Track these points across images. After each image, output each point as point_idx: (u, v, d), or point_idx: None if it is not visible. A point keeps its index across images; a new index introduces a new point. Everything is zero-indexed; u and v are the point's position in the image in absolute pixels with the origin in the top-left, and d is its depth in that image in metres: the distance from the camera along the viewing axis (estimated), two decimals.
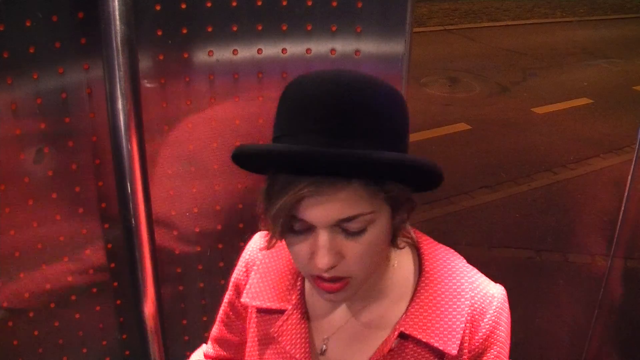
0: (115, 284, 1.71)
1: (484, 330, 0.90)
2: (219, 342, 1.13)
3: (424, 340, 0.89)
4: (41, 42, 1.42)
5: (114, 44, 1.40)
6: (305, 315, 0.96)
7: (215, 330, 1.13)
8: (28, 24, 1.38)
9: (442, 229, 3.74)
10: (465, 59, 7.07)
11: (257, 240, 1.07)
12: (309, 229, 0.80)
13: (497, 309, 0.91)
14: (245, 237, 1.81)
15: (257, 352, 0.99)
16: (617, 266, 2.16)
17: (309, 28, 1.57)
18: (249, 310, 1.03)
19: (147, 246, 1.59)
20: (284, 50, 1.60)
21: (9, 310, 1.57)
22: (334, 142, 0.75)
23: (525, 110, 5.64)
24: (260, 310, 0.99)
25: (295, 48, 1.60)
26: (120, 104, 1.44)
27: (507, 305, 0.93)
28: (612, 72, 6.82)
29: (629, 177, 1.93)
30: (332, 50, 1.59)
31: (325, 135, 0.75)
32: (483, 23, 8.92)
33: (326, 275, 0.81)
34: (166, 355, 1.73)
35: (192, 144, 1.66)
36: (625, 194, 1.97)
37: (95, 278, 1.68)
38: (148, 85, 1.56)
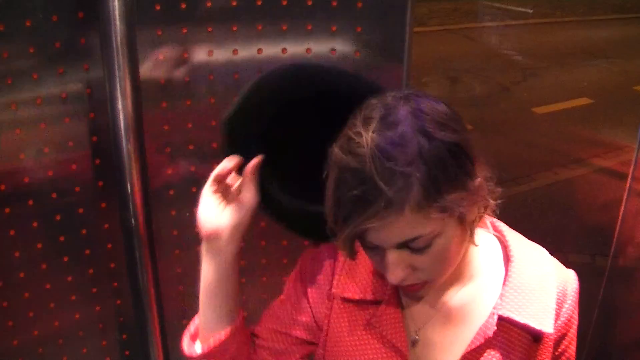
0: (115, 284, 1.71)
1: (569, 312, 0.96)
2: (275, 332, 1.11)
3: (522, 322, 0.92)
4: (41, 42, 1.42)
5: (114, 44, 1.40)
6: (400, 305, 0.99)
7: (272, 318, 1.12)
8: (28, 24, 1.38)
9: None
10: (465, 59, 7.07)
11: (316, 256, 1.08)
12: (379, 246, 0.85)
13: (575, 292, 0.98)
14: (245, 238, 1.81)
15: (350, 341, 1.00)
16: (617, 266, 2.16)
17: (309, 28, 1.57)
18: (331, 304, 1.03)
19: (147, 246, 1.59)
20: (284, 50, 1.60)
21: (9, 310, 1.57)
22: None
23: (525, 110, 5.64)
24: (349, 301, 1.01)
25: (295, 48, 1.60)
26: (120, 104, 1.44)
27: (579, 287, 0.99)
28: (612, 72, 6.82)
29: (629, 177, 1.93)
30: (332, 50, 1.59)
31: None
32: (483, 23, 8.92)
33: (402, 284, 0.87)
34: (166, 355, 1.73)
35: (192, 144, 1.66)
36: (625, 194, 1.96)
37: (95, 278, 1.68)
38: (148, 85, 1.56)
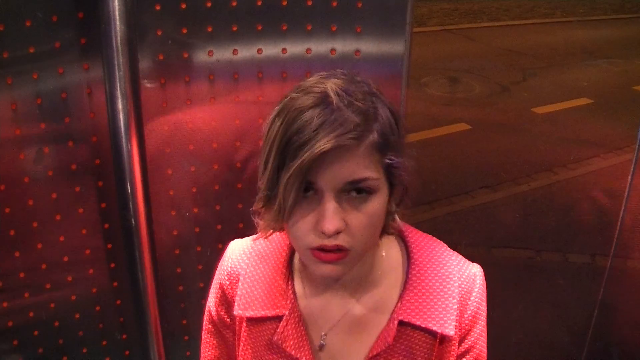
0: (115, 284, 1.71)
1: (472, 308, 0.97)
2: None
3: (423, 325, 0.94)
4: (41, 42, 1.42)
5: (114, 44, 1.40)
6: (301, 316, 0.98)
7: (206, 350, 1.15)
8: (28, 24, 1.39)
9: (442, 228, 3.74)
10: (465, 59, 7.07)
11: (237, 247, 1.08)
12: (315, 196, 0.84)
13: (480, 287, 0.99)
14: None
15: None
16: (617, 266, 2.16)
17: (309, 28, 1.57)
18: (241, 321, 1.03)
19: (147, 246, 1.59)
20: (284, 50, 1.60)
21: (9, 310, 1.57)
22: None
23: (525, 110, 5.64)
24: (252, 320, 1.00)
25: (295, 48, 1.60)
26: (120, 104, 1.44)
27: (484, 281, 1.00)
28: (612, 72, 6.82)
29: (629, 177, 1.93)
30: (332, 50, 1.59)
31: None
32: (483, 23, 8.92)
33: (328, 243, 0.85)
34: (166, 355, 1.73)
35: (192, 144, 1.66)
36: (625, 194, 1.97)
37: (95, 278, 1.68)
38: (148, 85, 1.56)
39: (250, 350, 1.01)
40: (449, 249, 1.03)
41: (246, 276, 1.02)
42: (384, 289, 0.98)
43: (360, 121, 0.82)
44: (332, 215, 0.83)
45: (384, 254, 0.99)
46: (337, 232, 0.84)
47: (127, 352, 1.80)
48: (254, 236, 1.06)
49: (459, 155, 4.74)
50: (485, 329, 1.00)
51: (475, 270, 1.00)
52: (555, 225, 3.81)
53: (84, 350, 1.73)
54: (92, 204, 1.61)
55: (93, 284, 1.69)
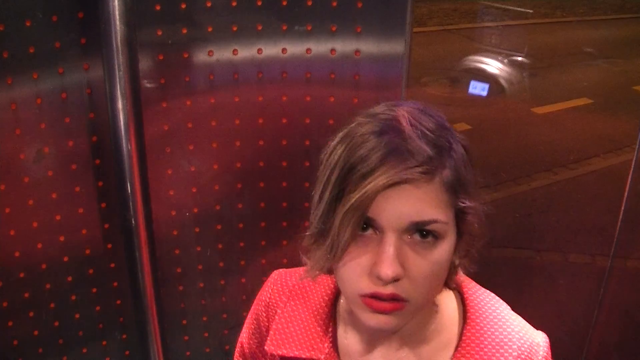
0: (115, 284, 1.71)
1: None
2: None
3: None
4: (41, 42, 1.42)
5: (114, 44, 1.40)
6: None
7: None
8: (28, 24, 1.38)
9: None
10: (465, 59, 7.07)
11: (279, 278, 1.00)
12: (374, 236, 0.75)
13: (544, 357, 0.87)
14: (245, 238, 1.82)
15: None
16: (617, 266, 2.16)
17: (309, 28, 1.57)
18: (272, 358, 0.95)
19: (147, 246, 1.59)
20: (284, 50, 1.60)
21: (9, 310, 1.57)
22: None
23: (525, 110, 5.63)
24: (284, 359, 0.93)
25: (295, 48, 1.60)
26: (120, 104, 1.44)
27: (550, 352, 0.88)
28: (612, 72, 6.82)
29: (629, 177, 1.93)
30: (332, 50, 1.59)
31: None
32: (483, 23, 8.92)
33: (384, 291, 0.75)
34: (166, 355, 1.73)
35: (192, 144, 1.66)
36: (625, 194, 1.97)
37: (95, 278, 1.68)
38: (148, 85, 1.56)
39: None
40: (511, 310, 0.91)
41: (285, 311, 0.95)
42: (434, 349, 0.87)
43: (433, 154, 0.72)
44: (391, 259, 0.72)
45: (438, 309, 0.88)
46: (395, 279, 0.74)
47: (127, 352, 1.80)
48: (299, 269, 0.98)
49: None
50: None
51: (539, 340, 0.87)
52: (555, 225, 3.81)
53: (84, 350, 1.73)
54: (92, 204, 1.61)
55: (93, 284, 1.69)
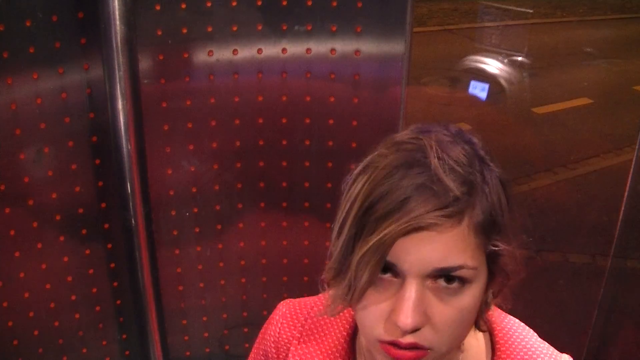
0: (115, 284, 1.71)
1: None
2: None
3: None
4: (41, 42, 1.42)
5: (114, 44, 1.40)
6: None
7: None
8: (28, 24, 1.38)
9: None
10: (465, 59, 7.07)
11: (288, 311, 0.93)
12: (395, 281, 0.69)
13: None
14: (245, 238, 1.81)
15: None
16: (617, 266, 2.16)
17: (309, 28, 1.57)
18: None
19: (147, 246, 1.59)
20: (284, 50, 1.60)
21: (9, 310, 1.57)
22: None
23: (525, 110, 5.63)
24: None
25: (295, 48, 1.60)
26: (120, 104, 1.44)
27: None
28: (612, 72, 6.82)
29: (629, 177, 1.93)
30: (332, 50, 1.59)
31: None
32: (483, 23, 8.91)
33: (403, 340, 0.69)
34: (166, 355, 1.73)
35: (192, 144, 1.66)
36: (625, 194, 1.97)
37: (95, 278, 1.68)
38: (148, 85, 1.56)
39: None
40: (538, 338, 0.87)
41: (299, 348, 0.88)
42: None
43: (463, 193, 0.66)
44: (412, 308, 0.67)
45: (464, 346, 0.82)
46: (416, 329, 0.68)
47: (127, 352, 1.80)
48: (310, 299, 0.93)
49: None
50: None
51: None
52: (555, 225, 3.81)
53: (84, 350, 1.73)
54: (92, 204, 1.61)
55: (93, 284, 1.69)
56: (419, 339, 0.69)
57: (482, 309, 0.75)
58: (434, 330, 0.69)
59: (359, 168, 0.71)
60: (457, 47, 7.70)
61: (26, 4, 1.37)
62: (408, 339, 0.69)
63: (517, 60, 7.07)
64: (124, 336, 1.78)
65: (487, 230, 0.69)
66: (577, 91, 6.12)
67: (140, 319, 1.66)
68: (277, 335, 0.91)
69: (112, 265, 1.69)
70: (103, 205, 1.62)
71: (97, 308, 1.71)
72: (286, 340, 0.89)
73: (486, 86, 6.05)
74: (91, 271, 1.67)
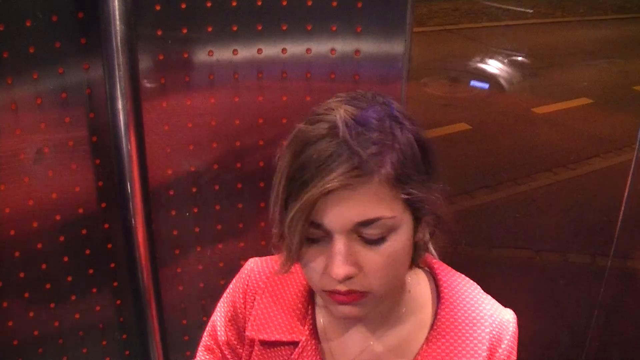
0: (115, 284, 1.71)
1: (503, 356, 0.89)
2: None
3: None
4: (41, 42, 1.42)
5: (114, 44, 1.40)
6: (319, 346, 0.92)
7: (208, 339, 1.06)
8: (28, 24, 1.38)
9: (442, 228, 3.73)
10: (465, 59, 7.07)
11: (255, 266, 1.02)
12: (326, 237, 0.77)
13: (512, 335, 0.91)
14: (245, 238, 1.81)
15: None
16: (617, 266, 2.16)
17: (309, 28, 1.57)
18: (251, 344, 0.97)
19: (147, 246, 1.59)
20: (284, 50, 1.60)
21: (10, 310, 1.57)
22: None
23: (525, 110, 5.63)
24: (266, 343, 0.94)
25: (295, 48, 1.60)
26: (120, 104, 1.44)
27: (517, 329, 0.93)
28: (612, 72, 6.82)
29: (629, 177, 1.94)
30: (332, 50, 1.59)
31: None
32: (483, 23, 8.92)
33: (341, 288, 0.78)
34: (166, 355, 1.73)
35: (192, 144, 1.66)
36: (625, 194, 1.97)
37: (95, 278, 1.68)
38: (148, 85, 1.56)
39: None
40: (482, 291, 0.95)
41: (264, 297, 0.97)
42: (410, 328, 0.91)
43: (370, 155, 0.73)
44: (341, 260, 0.75)
45: (410, 290, 0.91)
46: (349, 277, 0.77)
47: (127, 352, 1.80)
48: (275, 257, 1.00)
49: (459, 155, 4.73)
50: None
51: (508, 317, 0.92)
52: (555, 225, 3.81)
53: (84, 350, 1.73)
54: (92, 203, 1.61)
55: (93, 284, 1.69)
56: (354, 286, 0.78)
57: (417, 249, 0.85)
58: (367, 276, 0.78)
59: (286, 142, 0.80)
60: (457, 47, 7.70)
61: (26, 4, 1.37)
62: (345, 287, 0.78)
63: (517, 60, 7.07)
64: (124, 336, 1.78)
65: (402, 181, 0.76)
66: (577, 91, 6.12)
67: (140, 319, 1.66)
68: (245, 286, 0.99)
69: (112, 265, 1.69)
70: (103, 205, 1.62)
71: (97, 308, 1.71)
72: (253, 292, 0.98)
73: (486, 85, 6.06)
74: (91, 271, 1.67)
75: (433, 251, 0.93)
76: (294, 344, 0.92)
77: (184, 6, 1.52)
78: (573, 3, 9.91)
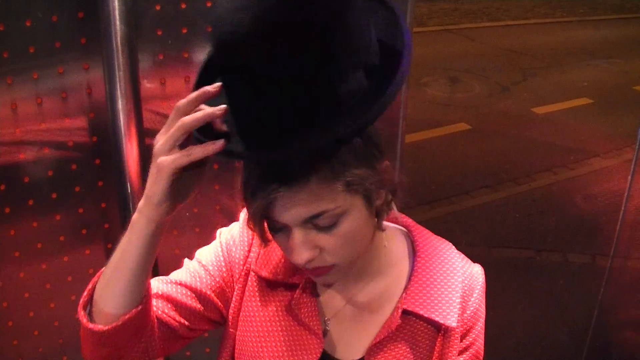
0: None
1: (474, 306, 0.98)
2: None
3: (426, 315, 0.94)
4: (41, 42, 1.42)
5: (114, 44, 1.40)
6: (315, 290, 0.99)
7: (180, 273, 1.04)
8: (28, 24, 1.38)
9: (442, 228, 3.73)
10: (465, 59, 7.08)
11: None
12: (286, 227, 0.84)
13: (482, 286, 1.00)
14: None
15: (264, 321, 0.99)
16: (617, 266, 2.16)
17: None
18: (245, 281, 1.01)
19: None
20: None
21: (9, 310, 1.57)
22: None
23: (525, 110, 5.64)
24: (264, 280, 0.99)
25: None
26: (120, 104, 1.44)
27: (485, 282, 1.02)
28: (612, 72, 6.83)
29: (629, 177, 1.94)
30: None
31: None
32: (483, 23, 8.92)
33: (308, 266, 0.86)
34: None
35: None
36: (625, 194, 1.97)
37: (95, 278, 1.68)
38: (148, 85, 1.56)
39: (260, 304, 1.00)
40: (454, 247, 1.04)
41: (262, 250, 1.02)
42: (390, 279, 0.98)
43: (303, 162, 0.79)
44: (300, 248, 0.83)
45: (386, 244, 0.99)
46: (311, 260, 0.84)
47: None
48: None
49: (459, 155, 4.74)
50: (483, 329, 1.01)
51: (477, 269, 1.01)
52: (555, 225, 3.81)
53: None
54: (92, 204, 1.61)
55: None
56: (319, 263, 0.85)
57: (379, 214, 0.90)
58: (329, 253, 0.85)
59: None
60: (457, 47, 7.71)
61: (26, 4, 1.38)
62: (311, 265, 0.85)
63: (517, 60, 7.07)
64: None
65: (340, 173, 0.80)
66: (577, 91, 6.13)
67: None
68: (241, 231, 1.05)
69: None
70: (103, 205, 1.62)
71: None
72: (249, 240, 1.03)
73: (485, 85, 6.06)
74: (91, 271, 1.67)
75: (395, 209, 0.97)
76: (292, 286, 0.98)
77: (184, 6, 1.52)
78: (573, 3, 9.93)
